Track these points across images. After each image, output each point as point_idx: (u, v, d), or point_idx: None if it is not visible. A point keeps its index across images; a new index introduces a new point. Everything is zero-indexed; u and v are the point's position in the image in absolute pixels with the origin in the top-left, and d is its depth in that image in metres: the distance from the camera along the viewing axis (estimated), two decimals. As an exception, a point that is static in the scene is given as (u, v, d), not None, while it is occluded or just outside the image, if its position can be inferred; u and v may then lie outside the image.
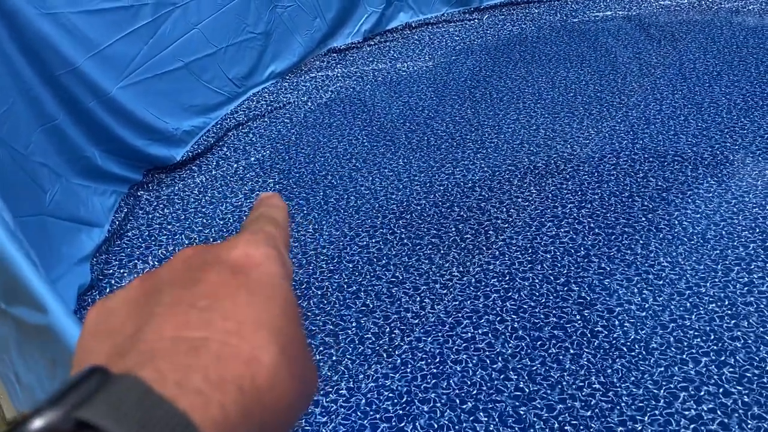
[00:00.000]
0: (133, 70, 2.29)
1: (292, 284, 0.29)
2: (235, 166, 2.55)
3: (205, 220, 2.25)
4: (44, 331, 0.50)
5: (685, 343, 1.62)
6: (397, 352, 1.68)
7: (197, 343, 0.23)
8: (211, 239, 2.15)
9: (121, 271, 2.05)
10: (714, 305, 1.72)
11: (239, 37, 2.77)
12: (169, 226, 2.23)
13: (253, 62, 2.90)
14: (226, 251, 0.28)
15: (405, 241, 2.06)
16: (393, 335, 1.73)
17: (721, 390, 1.50)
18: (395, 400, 1.55)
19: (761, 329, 1.63)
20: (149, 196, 2.38)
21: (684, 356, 1.59)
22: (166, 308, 0.25)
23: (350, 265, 1.98)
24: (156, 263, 2.06)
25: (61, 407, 0.20)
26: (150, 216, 2.29)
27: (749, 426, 1.42)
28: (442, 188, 2.30)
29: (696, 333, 1.64)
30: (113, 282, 2.00)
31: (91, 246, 2.04)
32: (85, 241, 2.02)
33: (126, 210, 2.28)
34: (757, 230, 1.96)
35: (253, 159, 2.59)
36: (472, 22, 3.71)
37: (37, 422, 0.19)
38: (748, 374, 1.53)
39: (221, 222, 2.23)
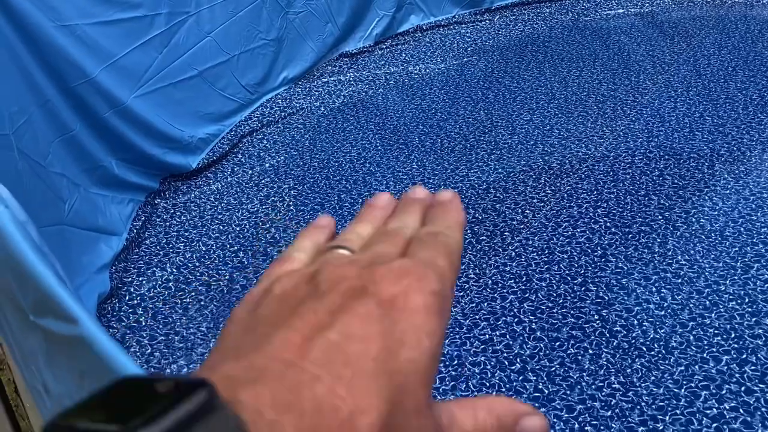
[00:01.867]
0: (148, 80, 2.31)
1: (441, 340, 0.25)
2: (250, 172, 2.57)
3: (221, 227, 2.26)
4: (74, 343, 0.51)
5: (706, 342, 1.61)
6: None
7: (307, 378, 0.21)
8: (228, 246, 2.17)
9: (140, 279, 2.07)
10: (734, 303, 1.70)
11: (252, 44, 2.79)
12: (186, 233, 2.25)
13: (266, 69, 2.92)
14: (388, 284, 0.25)
15: (421, 243, 2.06)
16: (410, 338, 1.73)
17: (743, 388, 1.48)
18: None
19: (783, 326, 1.62)
20: (166, 204, 2.40)
21: (704, 355, 1.57)
22: (304, 322, 0.23)
23: (366, 269, 1.99)
24: (174, 270, 2.08)
25: (159, 425, 0.17)
26: (167, 224, 2.31)
27: None
28: (456, 190, 2.29)
29: (716, 331, 1.63)
30: (132, 290, 2.02)
31: (110, 254, 2.06)
32: (103, 249, 2.04)
33: (144, 218, 2.30)
34: (777, 226, 1.94)
35: (267, 165, 2.60)
36: (483, 23, 3.70)
37: None
38: (770, 372, 1.51)
39: (237, 228, 2.25)
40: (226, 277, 2.04)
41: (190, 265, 2.10)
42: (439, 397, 1.55)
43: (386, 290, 0.24)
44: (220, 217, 2.32)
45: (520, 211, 2.15)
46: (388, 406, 0.22)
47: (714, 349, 1.59)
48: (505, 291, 1.84)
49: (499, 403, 0.27)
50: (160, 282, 2.04)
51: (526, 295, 1.81)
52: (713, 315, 1.68)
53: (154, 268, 2.10)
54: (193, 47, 2.49)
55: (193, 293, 1.99)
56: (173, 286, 2.02)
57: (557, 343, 1.66)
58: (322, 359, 0.22)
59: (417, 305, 0.24)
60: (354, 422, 0.21)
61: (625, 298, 1.76)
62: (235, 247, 2.16)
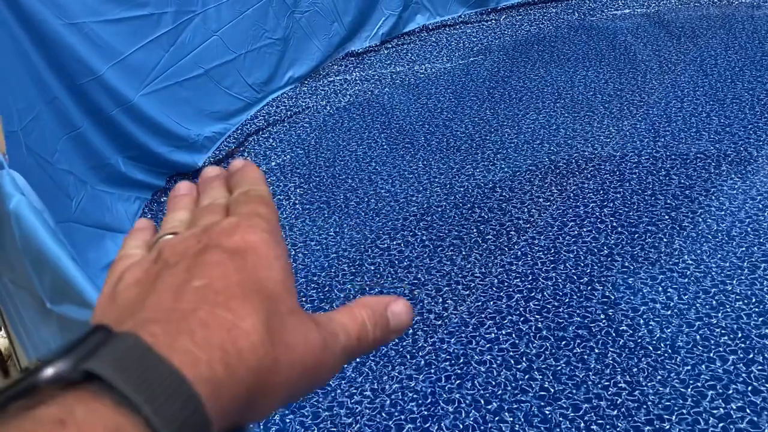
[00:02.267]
0: (155, 78, 2.32)
1: (287, 260, 0.30)
2: (256, 170, 2.57)
3: (227, 225, 2.26)
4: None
5: (712, 342, 1.60)
6: (420, 354, 1.68)
7: (187, 313, 0.25)
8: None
9: (146, 276, 2.07)
10: (741, 303, 1.70)
11: (258, 43, 2.80)
12: (192, 231, 2.25)
13: (272, 68, 2.92)
14: (226, 237, 0.30)
15: (426, 242, 2.06)
16: (416, 337, 1.73)
17: (749, 388, 1.48)
18: (420, 401, 1.55)
19: (790, 326, 1.61)
20: (172, 202, 2.41)
21: (711, 354, 1.57)
22: (167, 285, 0.28)
23: (372, 268, 1.99)
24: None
25: (69, 359, 0.21)
26: (173, 221, 2.31)
27: None
28: (462, 189, 2.30)
29: (723, 331, 1.63)
30: (138, 287, 2.03)
31: (116, 251, 2.06)
32: (110, 246, 2.05)
33: (150, 215, 2.31)
34: (784, 226, 1.93)
35: (273, 164, 2.60)
36: (489, 22, 3.70)
37: (48, 371, 0.21)
38: (778, 372, 1.51)
39: (243, 226, 2.25)
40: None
41: (196, 262, 2.10)
42: (444, 395, 1.56)
43: (227, 242, 0.30)
44: (226, 215, 2.32)
45: (526, 210, 2.15)
46: (263, 313, 0.27)
47: (721, 349, 1.58)
48: (511, 290, 1.83)
49: (370, 298, 0.33)
50: (166, 279, 2.05)
51: (532, 294, 1.81)
52: (720, 315, 1.67)
53: (161, 266, 2.11)
54: (200, 46, 2.50)
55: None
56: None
57: (563, 342, 1.65)
58: (195, 299, 0.26)
59: (256, 242, 0.30)
60: (239, 325, 0.25)
61: (632, 297, 1.76)
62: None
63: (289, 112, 2.93)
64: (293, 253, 2.10)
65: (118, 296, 0.30)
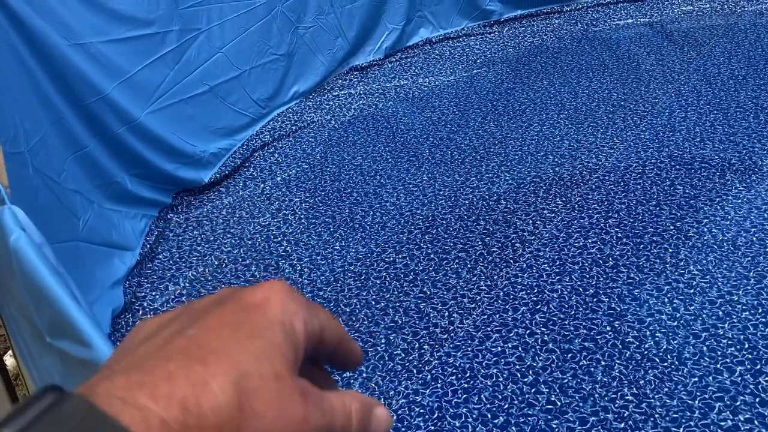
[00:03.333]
0: (160, 96, 2.34)
1: (296, 333, 0.30)
2: (262, 186, 2.58)
3: (233, 241, 2.28)
4: (88, 365, 0.52)
5: (719, 353, 1.60)
6: (427, 368, 1.68)
7: (159, 363, 0.25)
8: (240, 259, 2.18)
9: (153, 293, 2.08)
10: (747, 313, 1.69)
11: (263, 59, 2.82)
12: (198, 248, 2.27)
13: (276, 83, 2.94)
14: (252, 291, 0.30)
15: (432, 256, 2.07)
16: (422, 351, 1.73)
17: (757, 400, 1.47)
18: (426, 416, 1.55)
19: (797, 337, 1.61)
20: (179, 219, 2.42)
21: (718, 366, 1.56)
22: (166, 334, 0.28)
23: (378, 282, 2.00)
24: (187, 284, 2.10)
25: (14, 425, 0.22)
26: (180, 238, 2.33)
27: None
28: (467, 202, 2.30)
29: (730, 342, 1.62)
30: (146, 304, 2.04)
31: (124, 269, 2.08)
32: (117, 264, 2.06)
33: (156, 233, 2.32)
34: (790, 235, 1.93)
35: (279, 179, 2.62)
36: (492, 34, 3.72)
37: None
38: (785, 383, 1.50)
39: (249, 242, 2.26)
40: (239, 291, 2.05)
41: (203, 279, 2.12)
42: (451, 409, 1.55)
43: (247, 297, 0.30)
44: (232, 231, 2.34)
45: (530, 222, 2.15)
46: (236, 373, 0.26)
47: (728, 360, 1.58)
48: (516, 303, 1.83)
49: (360, 395, 0.33)
50: (173, 296, 2.06)
51: (538, 306, 1.81)
52: (726, 325, 1.67)
53: (168, 282, 2.12)
54: (205, 63, 2.52)
55: (205, 307, 2.00)
56: (186, 301, 2.03)
57: (569, 355, 1.65)
58: (177, 348, 0.26)
59: (272, 301, 0.29)
60: (208, 384, 0.25)
61: (638, 309, 1.76)
62: (248, 261, 2.17)
63: (294, 127, 2.95)
64: (299, 268, 2.11)
65: (133, 338, 0.30)
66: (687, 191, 2.19)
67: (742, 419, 1.43)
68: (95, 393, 0.24)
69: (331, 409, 0.30)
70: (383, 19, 3.39)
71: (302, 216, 2.37)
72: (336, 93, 3.22)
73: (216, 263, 2.19)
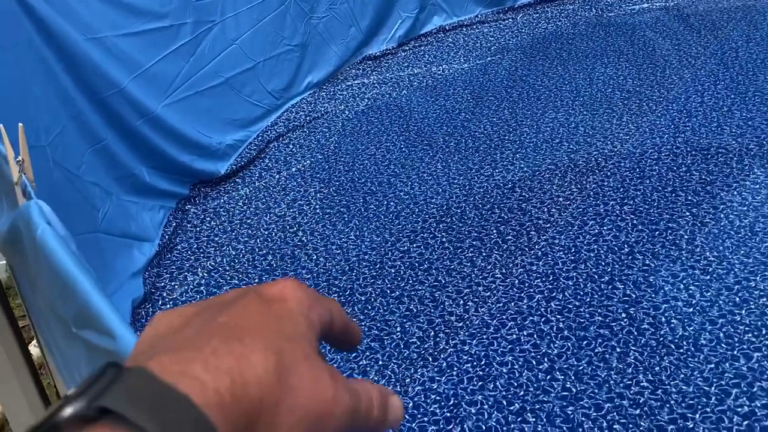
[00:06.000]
0: (176, 88, 2.36)
1: (316, 323, 0.33)
2: (277, 176, 2.60)
3: (250, 231, 2.30)
4: (113, 355, 0.54)
5: (736, 339, 1.59)
6: (442, 356, 1.69)
7: (202, 343, 0.27)
8: (257, 249, 2.20)
9: (172, 283, 2.11)
10: (765, 299, 1.69)
11: (276, 50, 2.83)
12: (216, 238, 2.29)
13: (290, 74, 2.95)
14: (267, 287, 0.33)
15: (446, 244, 2.07)
16: (438, 339, 1.74)
17: (774, 385, 1.47)
18: (442, 403, 1.56)
19: (815, 322, 1.60)
20: (196, 210, 2.45)
21: (735, 352, 1.56)
22: (197, 323, 0.30)
23: (392, 271, 2.01)
24: (205, 274, 2.12)
25: (84, 398, 0.23)
26: (198, 229, 2.35)
27: (805, 422, 1.39)
28: (481, 190, 2.30)
29: (747, 328, 1.62)
30: (165, 295, 2.07)
31: (143, 260, 2.11)
32: (137, 255, 2.09)
33: (174, 224, 2.35)
34: (808, 221, 1.91)
35: (294, 169, 2.64)
36: (506, 21, 3.70)
37: (67, 410, 0.23)
38: (803, 369, 1.49)
39: (266, 232, 2.28)
40: (256, 281, 2.07)
41: (220, 269, 2.14)
42: (466, 396, 1.57)
43: (266, 291, 0.33)
44: (248, 221, 2.36)
45: (546, 209, 2.15)
46: (274, 350, 0.28)
47: (745, 346, 1.57)
48: (531, 290, 1.84)
49: (378, 385, 0.35)
50: (192, 286, 2.09)
51: (553, 294, 1.82)
52: (743, 312, 1.66)
53: (186, 273, 2.15)
54: (219, 55, 2.53)
55: (223, 297, 2.02)
56: (205, 290, 2.06)
57: (585, 342, 1.66)
58: (213, 331, 0.28)
59: (290, 295, 0.32)
60: (248, 358, 0.27)
61: (653, 295, 1.75)
62: (264, 251, 2.19)
63: (308, 118, 2.96)
64: (315, 257, 2.13)
65: (158, 328, 0.32)
66: (703, 177, 2.18)
67: (758, 405, 1.43)
68: (150, 367, 0.25)
69: (356, 393, 0.32)
70: (396, 7, 3.38)
71: (317, 206, 2.38)
72: (350, 83, 3.22)
73: (233, 253, 2.21)
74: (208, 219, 2.40)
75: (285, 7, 2.82)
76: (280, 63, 2.88)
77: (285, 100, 2.96)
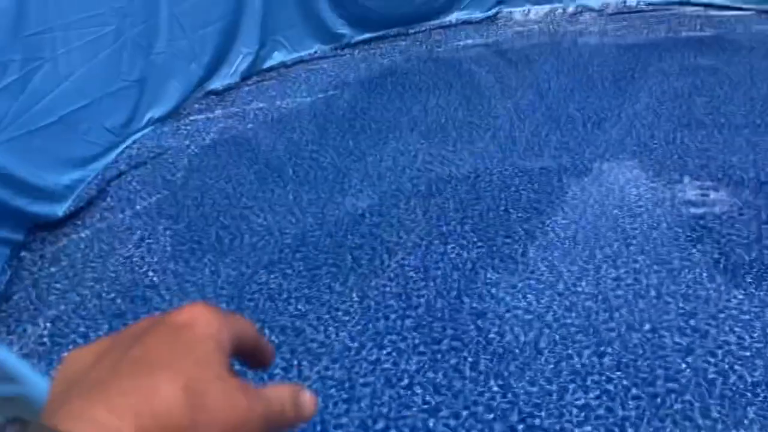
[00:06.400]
0: (5, 128, 2.21)
1: (224, 341, 0.36)
2: (121, 216, 2.51)
3: (95, 275, 2.20)
4: (17, 402, 0.51)
5: (569, 339, 1.78)
6: (307, 383, 1.73)
7: (112, 383, 0.30)
8: (104, 294, 2.11)
9: (10, 336, 1.96)
10: (590, 302, 1.90)
11: (113, 86, 2.74)
12: (57, 285, 2.16)
13: (129, 110, 2.86)
14: (176, 313, 0.36)
15: (304, 273, 2.12)
16: (302, 367, 1.78)
17: (603, 377, 1.67)
18: (309, 430, 1.60)
19: (631, 318, 1.83)
20: (33, 257, 2.30)
21: (569, 351, 1.75)
22: (110, 359, 0.32)
23: (252, 303, 2.02)
24: (48, 324, 2.00)
25: None
26: (36, 276, 2.21)
27: (629, 405, 1.59)
28: (333, 218, 2.38)
29: (577, 329, 1.81)
30: (3, 349, 1.91)
31: (-25, 314, 1.94)
32: (-33, 310, 1.92)
33: (10, 273, 2.19)
34: (618, 230, 2.19)
35: (138, 207, 2.56)
36: (344, 57, 3.85)
37: None
38: (624, 360, 1.71)
39: (113, 275, 2.19)
40: (105, 327, 1.99)
41: (65, 317, 2.02)
42: (333, 421, 1.61)
43: (174, 318, 0.36)
44: (92, 264, 2.25)
45: (395, 233, 2.27)
46: (184, 378, 0.31)
47: (577, 345, 1.77)
48: (387, 310, 1.93)
49: (287, 384, 0.39)
50: (33, 338, 1.95)
51: (407, 312, 1.92)
52: (573, 314, 1.87)
53: (26, 324, 2.01)
54: (52, 92, 2.41)
55: (70, 346, 1.92)
56: (48, 341, 1.94)
57: (439, 355, 1.77)
58: (125, 368, 0.31)
59: (198, 319, 0.36)
60: (157, 391, 0.30)
61: (497, 306, 1.92)
62: (112, 294, 2.10)
63: (151, 154, 2.88)
64: (168, 297, 2.08)
65: (70, 367, 0.34)
66: (530, 195, 2.42)
67: (592, 396, 1.62)
68: (56, 417, 0.27)
69: (267, 398, 0.36)
70: (236, 43, 3.40)
71: (167, 244, 2.33)
72: (194, 117, 3.19)
73: (78, 299, 2.10)
74: (46, 265, 2.26)
75: (121, 42, 2.74)
76: (118, 99, 2.79)
77: (125, 137, 2.86)
